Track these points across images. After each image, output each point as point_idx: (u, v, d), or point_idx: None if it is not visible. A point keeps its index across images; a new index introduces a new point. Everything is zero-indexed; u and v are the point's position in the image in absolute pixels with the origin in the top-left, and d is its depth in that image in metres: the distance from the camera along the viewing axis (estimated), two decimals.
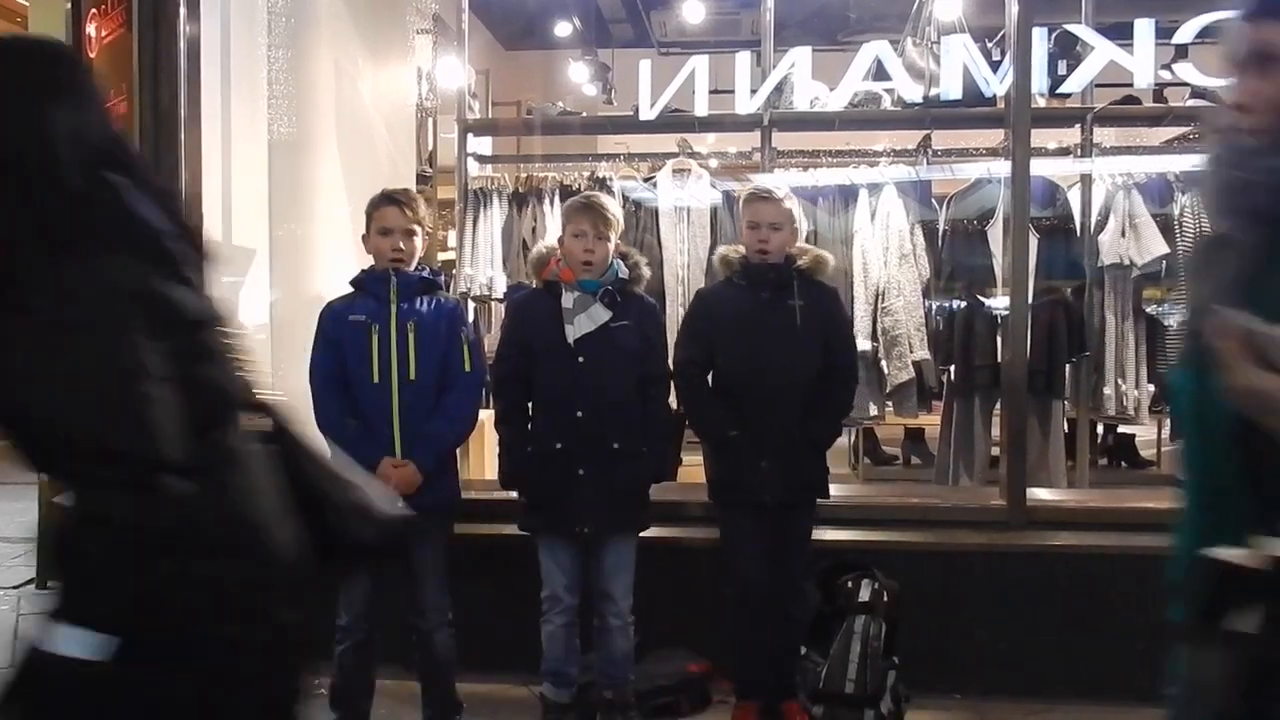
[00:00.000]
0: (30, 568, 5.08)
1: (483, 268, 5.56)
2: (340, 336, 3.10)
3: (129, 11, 4.29)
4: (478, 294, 5.57)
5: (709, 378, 3.39)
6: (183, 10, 4.09)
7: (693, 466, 5.44)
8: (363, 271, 3.20)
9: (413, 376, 3.09)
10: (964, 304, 5.17)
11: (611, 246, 3.23)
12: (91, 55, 4.85)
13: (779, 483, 3.25)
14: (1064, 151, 5.30)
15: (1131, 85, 4.89)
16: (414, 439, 3.08)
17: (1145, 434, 6.88)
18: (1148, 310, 5.17)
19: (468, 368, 3.17)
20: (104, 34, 4.72)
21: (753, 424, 3.26)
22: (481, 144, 6.17)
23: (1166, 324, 5.12)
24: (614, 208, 3.30)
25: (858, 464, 6.70)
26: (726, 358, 3.33)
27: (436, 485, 3.11)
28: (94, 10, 4.79)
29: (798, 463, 3.28)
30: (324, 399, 3.10)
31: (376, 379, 3.07)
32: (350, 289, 3.20)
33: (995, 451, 5.00)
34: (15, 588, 4.96)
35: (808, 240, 4.85)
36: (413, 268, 3.16)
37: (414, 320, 3.11)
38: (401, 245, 3.12)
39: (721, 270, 3.44)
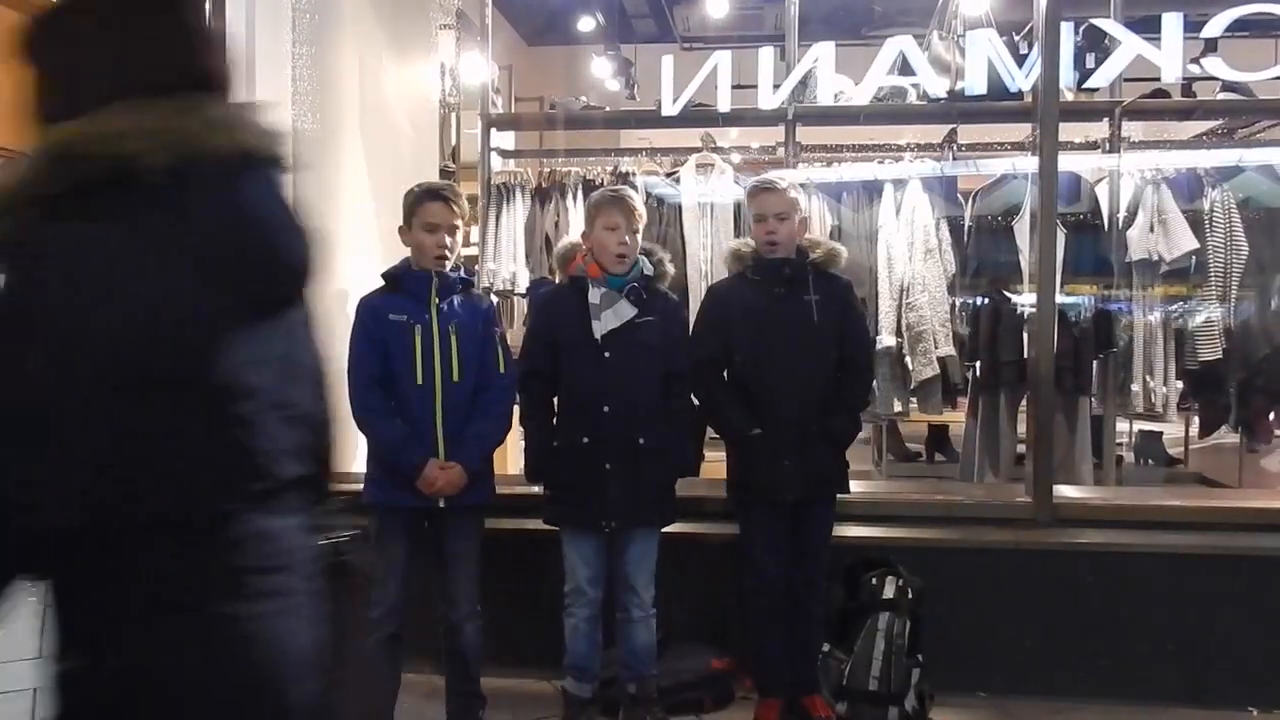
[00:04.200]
0: None
1: (505, 263, 5.56)
2: (383, 335, 3.09)
3: None
4: (500, 289, 5.58)
5: (725, 375, 3.38)
6: (207, 6, 4.11)
7: (715, 462, 5.45)
8: (399, 267, 3.18)
9: (456, 378, 3.09)
10: (989, 300, 5.12)
11: (639, 241, 3.23)
12: None
13: (799, 480, 3.23)
14: (1091, 146, 5.25)
15: (1159, 79, 4.84)
16: (457, 440, 3.09)
17: (1172, 431, 6.82)
18: (1175, 307, 5.11)
19: (502, 369, 3.18)
20: None
21: (771, 421, 3.24)
22: (504, 139, 6.17)
23: (1195, 320, 5.06)
24: (640, 202, 3.30)
25: (881, 461, 6.67)
26: (742, 355, 3.31)
27: (476, 482, 3.13)
28: None
29: (815, 460, 3.26)
30: (368, 399, 3.08)
31: (420, 381, 3.07)
32: (383, 282, 3.19)
33: (1021, 449, 4.97)
34: None
35: (831, 235, 4.84)
36: (452, 263, 3.16)
37: (454, 322, 3.11)
38: (447, 242, 3.12)
39: (733, 265, 3.41)
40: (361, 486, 3.19)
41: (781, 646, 3.33)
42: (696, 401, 3.48)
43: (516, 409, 3.31)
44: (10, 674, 3.84)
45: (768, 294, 3.28)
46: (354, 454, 3.22)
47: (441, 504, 3.08)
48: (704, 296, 3.67)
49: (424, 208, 3.13)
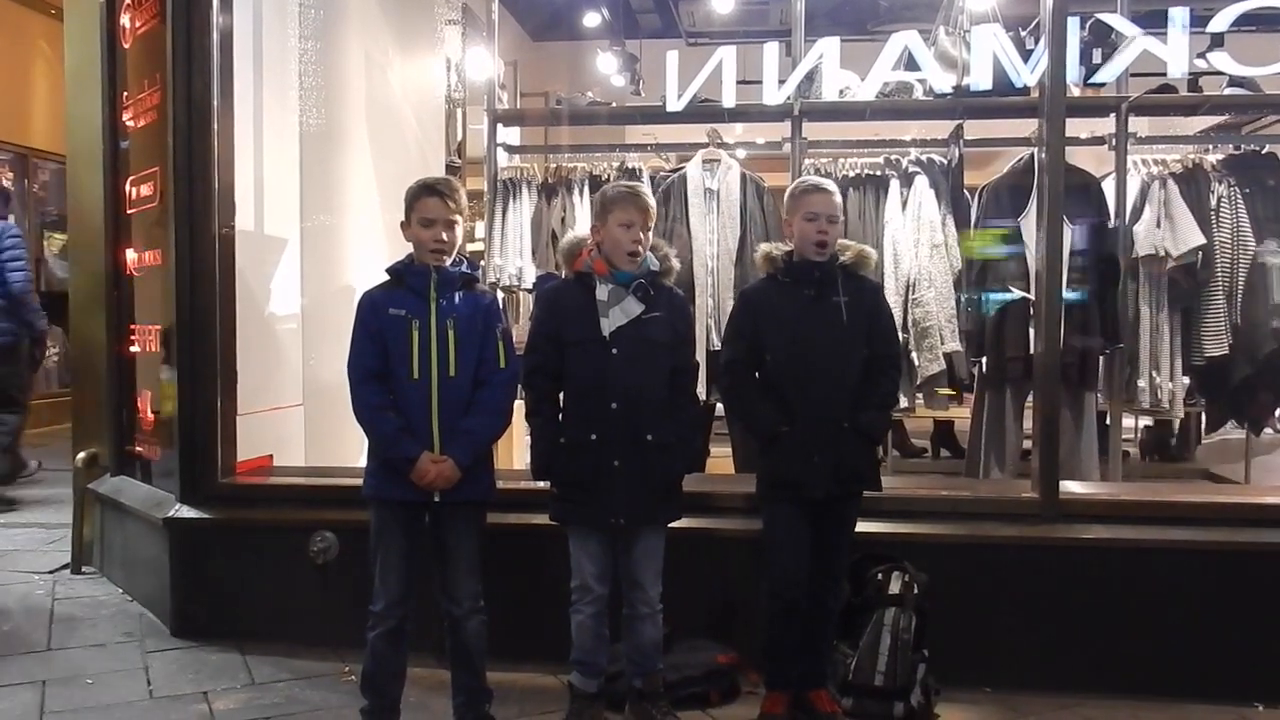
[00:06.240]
0: (65, 553, 5.14)
1: (512, 258, 5.57)
2: (381, 330, 3.09)
3: (162, 3, 4.33)
4: (507, 284, 5.59)
5: (755, 375, 3.38)
6: (215, 2, 4.12)
7: (721, 458, 5.46)
8: (402, 262, 3.18)
9: (452, 373, 3.09)
10: (996, 295, 5.11)
11: (650, 237, 3.23)
12: (125, 46, 4.90)
13: (830, 477, 3.24)
14: (1098, 141, 5.24)
15: (1166, 75, 4.82)
16: (452, 434, 3.09)
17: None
18: (1182, 302, 5.10)
19: (503, 364, 3.17)
20: (138, 25, 4.76)
21: (802, 419, 3.24)
22: (510, 134, 6.18)
23: (1201, 315, 5.05)
24: (652, 197, 3.30)
25: (886, 457, 6.67)
26: (774, 355, 3.31)
27: (473, 477, 3.12)
28: (128, 1, 4.83)
29: (849, 456, 3.27)
30: (365, 393, 3.09)
31: (416, 375, 3.07)
32: (387, 276, 3.19)
33: (1027, 444, 4.96)
34: (51, 572, 5.02)
35: None
36: (452, 258, 3.16)
37: (453, 317, 3.10)
38: (444, 236, 3.11)
39: (764, 268, 3.41)
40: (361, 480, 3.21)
41: (796, 643, 3.33)
42: (725, 400, 3.48)
43: (520, 404, 3.31)
44: (16, 666, 3.86)
45: (799, 296, 3.30)
46: (358, 448, 3.22)
47: (437, 498, 3.08)
48: (736, 300, 3.70)
49: (420, 203, 3.13)
